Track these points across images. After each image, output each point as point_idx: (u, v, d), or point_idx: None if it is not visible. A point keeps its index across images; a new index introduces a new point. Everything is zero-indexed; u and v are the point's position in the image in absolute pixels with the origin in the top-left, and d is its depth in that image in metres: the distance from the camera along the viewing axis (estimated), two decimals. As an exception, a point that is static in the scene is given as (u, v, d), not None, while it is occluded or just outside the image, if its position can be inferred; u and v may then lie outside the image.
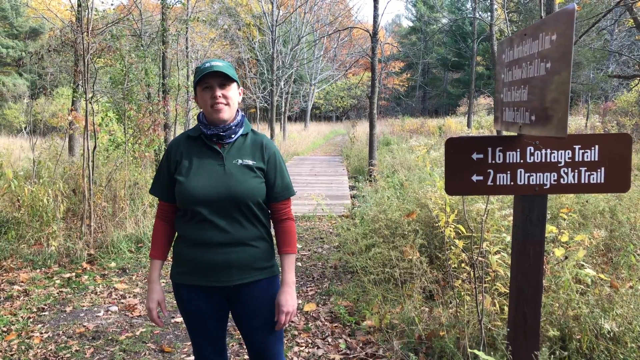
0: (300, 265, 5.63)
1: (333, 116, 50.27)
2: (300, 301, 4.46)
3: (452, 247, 3.85)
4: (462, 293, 3.67)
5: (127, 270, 5.42)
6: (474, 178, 2.12)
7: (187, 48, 12.25)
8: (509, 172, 2.10)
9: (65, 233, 5.99)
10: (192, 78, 13.41)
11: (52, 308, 4.40)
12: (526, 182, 2.10)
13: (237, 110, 2.09)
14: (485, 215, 2.85)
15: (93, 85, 6.62)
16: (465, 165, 2.11)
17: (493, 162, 2.11)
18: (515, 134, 2.14)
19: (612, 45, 19.61)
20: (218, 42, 22.74)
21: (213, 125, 2.00)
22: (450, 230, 3.80)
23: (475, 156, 2.11)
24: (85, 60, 5.99)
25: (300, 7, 23.67)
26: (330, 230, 7.31)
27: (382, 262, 4.33)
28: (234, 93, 2.01)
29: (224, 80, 1.96)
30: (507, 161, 2.10)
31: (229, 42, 25.49)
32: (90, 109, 6.24)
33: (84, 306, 4.44)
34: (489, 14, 23.52)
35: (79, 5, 6.31)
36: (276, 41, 19.47)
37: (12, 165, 9.52)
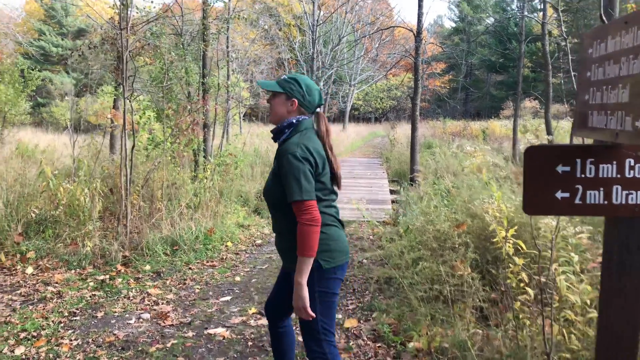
0: (340, 274, 5.33)
1: (372, 117, 49.67)
2: (340, 316, 4.17)
3: (511, 264, 3.48)
4: (521, 316, 3.31)
5: (162, 274, 5.26)
6: (559, 195, 1.77)
7: (227, 47, 12.14)
8: (602, 188, 1.74)
9: (101, 233, 5.88)
10: (232, 78, 13.33)
11: (83, 313, 4.25)
12: (624, 202, 1.74)
13: (287, 120, 2.37)
14: (556, 233, 2.49)
15: (132, 83, 6.51)
16: (548, 180, 1.77)
17: (583, 176, 1.75)
18: (607, 142, 1.78)
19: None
20: (258, 42, 22.70)
21: None
22: (510, 246, 3.44)
23: (560, 169, 1.76)
24: (124, 57, 5.88)
25: (341, 6, 23.35)
26: (371, 237, 6.99)
27: (430, 277, 3.99)
28: (276, 104, 2.39)
29: (270, 94, 2.43)
30: (601, 175, 1.75)
31: (269, 42, 25.44)
32: (128, 107, 6.13)
33: (115, 312, 4.28)
34: (535, 14, 22.59)
35: (122, 4, 6.20)
36: (316, 41, 19.24)
37: (55, 162, 9.61)
